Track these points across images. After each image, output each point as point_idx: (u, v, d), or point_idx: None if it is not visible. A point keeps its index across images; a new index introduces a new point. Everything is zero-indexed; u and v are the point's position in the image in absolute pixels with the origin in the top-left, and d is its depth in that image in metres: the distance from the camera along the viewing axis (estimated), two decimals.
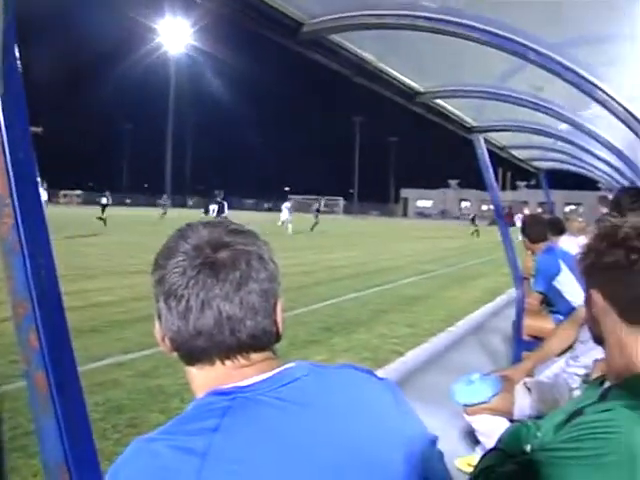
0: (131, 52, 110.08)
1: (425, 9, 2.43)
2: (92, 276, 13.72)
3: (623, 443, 1.41)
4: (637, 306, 1.53)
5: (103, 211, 31.60)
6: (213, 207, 18.11)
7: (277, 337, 1.22)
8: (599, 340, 1.66)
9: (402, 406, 1.29)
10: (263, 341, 1.17)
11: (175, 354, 1.19)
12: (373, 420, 1.20)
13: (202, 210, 27.97)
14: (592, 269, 1.62)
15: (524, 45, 2.46)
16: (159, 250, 1.19)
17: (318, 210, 42.30)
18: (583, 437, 1.45)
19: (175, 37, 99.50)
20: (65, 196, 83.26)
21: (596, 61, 2.56)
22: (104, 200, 32.49)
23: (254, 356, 1.17)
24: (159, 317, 1.17)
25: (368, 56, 3.06)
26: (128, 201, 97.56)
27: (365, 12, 2.45)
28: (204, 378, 1.17)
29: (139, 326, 8.47)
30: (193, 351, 1.14)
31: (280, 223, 34.14)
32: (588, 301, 1.64)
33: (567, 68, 2.48)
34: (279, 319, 1.21)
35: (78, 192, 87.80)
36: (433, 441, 1.32)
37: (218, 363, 1.15)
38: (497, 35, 2.45)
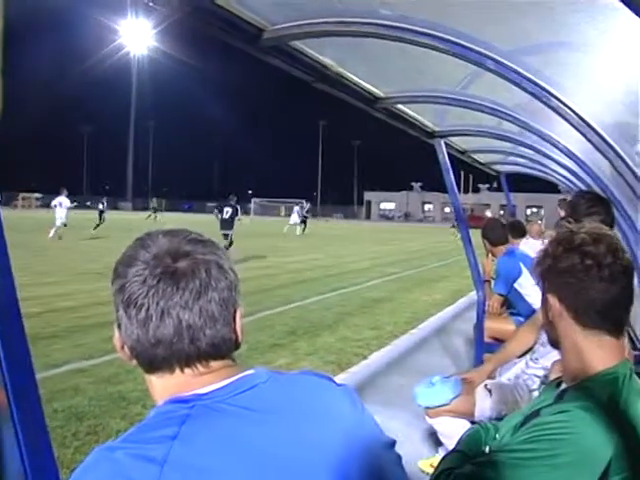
0: (92, 52, 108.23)
1: (386, 17, 2.44)
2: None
3: (577, 444, 1.45)
4: (591, 310, 1.58)
5: (100, 217, 31.93)
6: (227, 209, 18.71)
7: (236, 345, 1.23)
8: (555, 343, 1.70)
9: (360, 411, 1.30)
10: (222, 349, 1.18)
11: (134, 362, 1.19)
12: (331, 425, 1.21)
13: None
14: (549, 273, 1.66)
15: (482, 54, 2.49)
16: (119, 259, 1.19)
17: (308, 211, 41.90)
18: (539, 438, 1.49)
19: (137, 38, 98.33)
20: (24, 199, 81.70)
21: (550, 70, 2.61)
22: (101, 206, 33.30)
23: (213, 364, 1.17)
24: (119, 326, 1.17)
25: (329, 62, 3.06)
26: (88, 203, 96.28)
27: (326, 19, 2.46)
28: (164, 386, 1.17)
29: (101, 331, 8.37)
30: (153, 360, 1.15)
31: (287, 227, 34.31)
32: (544, 305, 1.68)
33: (523, 76, 2.53)
34: (238, 327, 1.22)
35: (37, 195, 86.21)
36: (391, 445, 1.34)
37: (178, 371, 1.16)
38: (456, 44, 2.48)
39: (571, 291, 1.60)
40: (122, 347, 1.18)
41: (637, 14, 0.95)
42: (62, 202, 26.82)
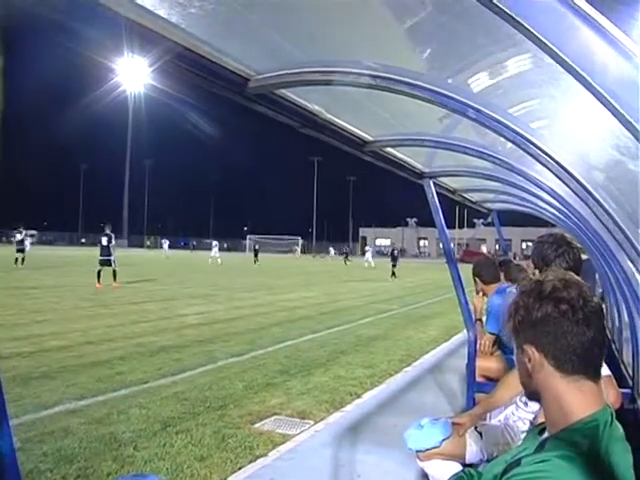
0: (88, 90, 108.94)
1: (368, 67, 2.49)
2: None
3: None
4: (572, 355, 1.58)
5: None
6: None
7: None
8: (535, 396, 1.69)
9: None
10: None
11: None
12: None
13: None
14: (523, 325, 1.66)
15: (463, 103, 2.54)
16: None
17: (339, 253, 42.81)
18: None
19: (133, 77, 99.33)
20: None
21: (528, 119, 2.67)
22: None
23: None
24: None
25: (315, 108, 3.10)
26: (83, 240, 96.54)
27: (310, 69, 2.50)
28: None
29: (93, 371, 8.31)
30: None
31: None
32: (521, 358, 1.68)
33: (503, 125, 2.57)
34: None
35: (33, 232, 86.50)
36: None
37: None
38: (438, 93, 2.53)
39: (549, 339, 1.60)
40: None
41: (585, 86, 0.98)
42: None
